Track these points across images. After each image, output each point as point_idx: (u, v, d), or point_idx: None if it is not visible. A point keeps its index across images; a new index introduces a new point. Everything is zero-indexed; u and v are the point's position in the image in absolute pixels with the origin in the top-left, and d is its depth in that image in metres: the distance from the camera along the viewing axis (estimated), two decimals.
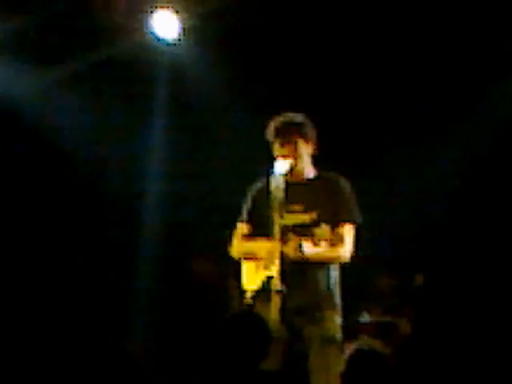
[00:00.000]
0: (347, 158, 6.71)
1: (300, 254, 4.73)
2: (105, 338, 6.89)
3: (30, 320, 6.96)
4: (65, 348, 6.73)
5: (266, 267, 4.84)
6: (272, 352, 4.50)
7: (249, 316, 4.32)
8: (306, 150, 4.99)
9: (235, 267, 5.11)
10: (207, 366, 4.22)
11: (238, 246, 5.08)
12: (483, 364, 6.58)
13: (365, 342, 6.19)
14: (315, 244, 4.73)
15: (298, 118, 5.01)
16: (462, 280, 7.06)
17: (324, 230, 4.73)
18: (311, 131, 5.02)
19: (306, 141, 4.98)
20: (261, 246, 4.89)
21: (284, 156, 4.94)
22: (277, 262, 4.74)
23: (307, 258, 4.76)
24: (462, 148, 7.18)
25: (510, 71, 6.98)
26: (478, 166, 7.13)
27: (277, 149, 4.98)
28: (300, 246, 4.72)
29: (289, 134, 4.94)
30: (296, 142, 4.95)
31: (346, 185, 5.02)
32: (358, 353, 4.06)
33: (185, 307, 6.98)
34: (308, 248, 4.73)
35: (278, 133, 4.96)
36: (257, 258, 4.93)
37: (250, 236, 5.05)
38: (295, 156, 4.94)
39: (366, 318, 6.76)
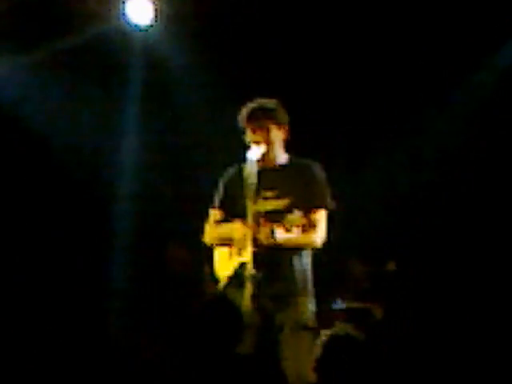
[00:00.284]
0: (319, 144, 6.72)
1: (272, 240, 4.73)
2: (80, 325, 6.89)
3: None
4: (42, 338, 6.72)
5: (239, 253, 4.85)
6: (245, 338, 4.53)
7: (221, 302, 4.33)
8: (278, 135, 4.97)
9: (209, 254, 5.11)
10: (181, 352, 4.23)
11: (210, 232, 5.06)
12: (455, 348, 6.63)
13: (340, 327, 6.20)
14: (287, 230, 4.72)
15: (270, 103, 4.98)
16: (434, 266, 7.10)
17: (296, 216, 4.72)
18: (284, 117, 5.00)
19: (279, 127, 4.97)
20: (233, 227, 4.87)
21: (256, 142, 4.92)
22: (249, 248, 4.74)
23: (279, 244, 4.76)
24: (435, 136, 7.21)
25: (481, 62, 7.04)
26: (450, 154, 7.17)
27: (249, 135, 4.96)
28: (272, 232, 4.72)
29: (261, 119, 4.92)
30: (268, 128, 4.93)
31: (318, 171, 5.01)
32: (333, 339, 4.08)
33: (159, 295, 6.97)
34: (280, 234, 4.72)
35: (250, 119, 4.94)
36: (229, 244, 4.93)
37: (222, 222, 5.04)
38: (267, 142, 4.92)
39: (339, 304, 6.78)
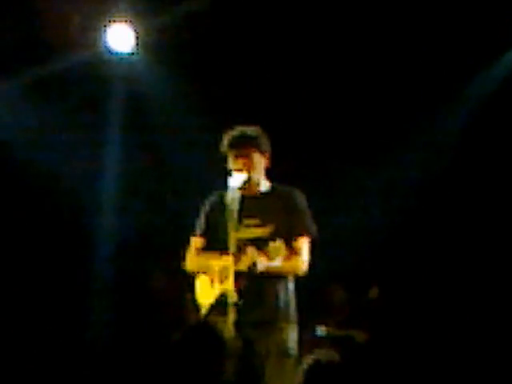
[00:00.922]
0: (300, 171, 6.74)
1: (254, 270, 4.71)
2: (61, 352, 6.85)
3: None
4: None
5: (221, 280, 4.82)
6: (227, 366, 4.51)
7: (203, 329, 4.32)
8: (260, 163, 4.97)
9: (190, 281, 5.09)
10: (164, 379, 4.21)
11: (191, 261, 5.05)
12: (441, 372, 6.64)
13: (321, 354, 6.18)
14: (270, 259, 4.71)
15: (252, 131, 4.98)
16: (417, 292, 7.10)
17: (279, 245, 4.69)
18: (266, 144, 5.00)
19: (261, 154, 4.97)
20: (214, 263, 4.85)
21: (238, 169, 4.91)
22: (231, 276, 4.71)
23: (262, 273, 4.74)
24: (407, 168, 7.25)
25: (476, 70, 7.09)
26: (430, 180, 7.20)
27: (231, 162, 4.96)
28: (254, 264, 4.70)
29: (243, 146, 4.92)
30: (250, 156, 4.93)
31: (301, 198, 5.01)
32: (315, 365, 4.07)
33: (141, 322, 6.93)
34: (262, 265, 4.70)
35: (232, 146, 4.93)
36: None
37: (203, 250, 5.02)
38: (250, 169, 4.92)
39: (322, 331, 6.77)
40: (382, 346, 6.71)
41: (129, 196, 7.42)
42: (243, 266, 4.71)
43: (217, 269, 4.81)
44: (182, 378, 4.10)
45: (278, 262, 4.71)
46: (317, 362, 4.11)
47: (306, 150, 7.19)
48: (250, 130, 4.99)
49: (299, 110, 7.19)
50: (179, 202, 7.06)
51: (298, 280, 5.00)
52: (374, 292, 6.90)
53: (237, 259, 4.71)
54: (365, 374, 6.13)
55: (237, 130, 4.99)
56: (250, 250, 4.71)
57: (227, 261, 4.73)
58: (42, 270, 7.26)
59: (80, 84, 7.19)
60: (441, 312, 7.02)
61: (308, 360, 4.17)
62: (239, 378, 4.76)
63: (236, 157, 4.94)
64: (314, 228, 4.97)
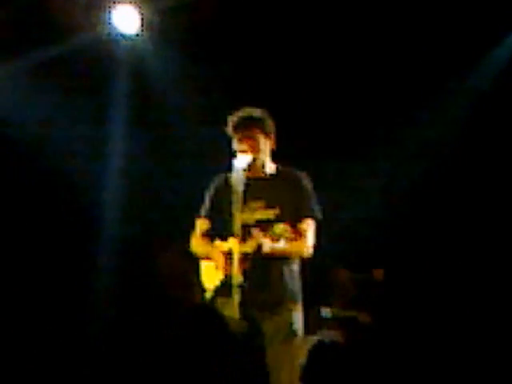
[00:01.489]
0: (305, 152, 6.73)
1: (259, 252, 4.72)
2: (66, 329, 6.88)
3: None
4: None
5: (226, 264, 4.84)
6: (230, 348, 4.54)
7: (207, 312, 4.34)
8: (265, 144, 4.97)
9: (197, 262, 5.10)
10: (167, 360, 4.24)
11: (196, 244, 5.06)
12: (444, 355, 6.65)
13: (326, 334, 6.22)
14: (275, 241, 4.71)
15: (258, 112, 4.98)
16: (422, 274, 7.11)
17: (284, 227, 4.70)
18: (271, 126, 5.00)
19: (266, 135, 4.97)
20: (218, 251, 4.86)
21: (243, 151, 4.91)
22: (236, 258, 4.72)
23: (267, 255, 4.75)
24: (423, 141, 7.24)
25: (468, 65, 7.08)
26: (438, 159, 7.19)
27: (236, 144, 4.96)
28: (259, 246, 4.71)
29: (248, 128, 4.92)
30: (255, 137, 4.93)
31: (306, 180, 5.01)
32: (319, 346, 4.09)
33: (148, 301, 6.95)
34: (267, 247, 4.71)
35: (237, 128, 4.93)
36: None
37: (208, 233, 5.03)
38: (255, 151, 4.92)
39: (326, 312, 6.78)
40: (386, 328, 6.72)
41: (134, 177, 7.42)
42: (248, 247, 4.73)
43: (220, 259, 4.80)
44: (185, 360, 4.13)
45: (283, 244, 4.72)
46: (320, 343, 4.13)
47: (313, 130, 7.17)
48: (255, 112, 4.98)
49: (305, 90, 7.16)
50: (185, 183, 7.06)
51: (304, 261, 5.01)
52: (378, 273, 6.91)
53: (242, 241, 4.72)
54: (368, 355, 6.14)
55: (242, 112, 4.98)
56: (256, 232, 4.73)
57: (232, 244, 4.74)
58: (47, 259, 7.27)
59: (85, 65, 7.18)
60: (446, 294, 7.02)
61: (312, 341, 4.20)
62: (244, 359, 4.79)
63: (241, 138, 4.93)
64: (319, 210, 4.98)
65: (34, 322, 6.99)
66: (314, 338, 4.39)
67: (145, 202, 7.44)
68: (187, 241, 5.11)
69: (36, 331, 6.95)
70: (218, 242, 4.90)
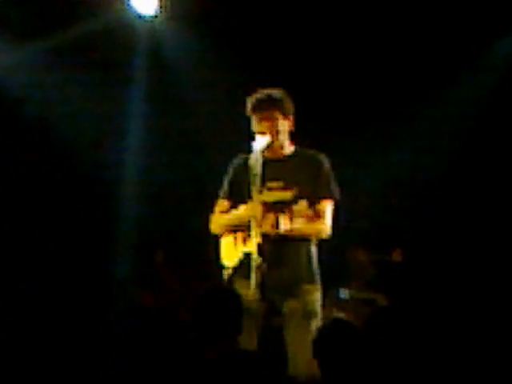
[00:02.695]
0: (324, 133, 6.72)
1: (277, 230, 4.73)
2: (85, 320, 6.89)
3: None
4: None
5: (244, 242, 4.85)
6: (250, 327, 4.56)
7: (223, 291, 4.35)
8: (284, 125, 4.97)
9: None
10: (181, 342, 4.25)
11: (216, 221, 5.06)
12: (458, 341, 6.64)
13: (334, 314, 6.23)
14: (293, 220, 4.72)
15: (277, 93, 4.97)
16: (440, 257, 7.09)
17: (302, 206, 4.71)
18: (289, 107, 4.99)
19: (285, 116, 4.96)
20: (245, 206, 4.84)
21: (262, 132, 4.91)
22: (255, 237, 4.74)
23: (285, 234, 4.76)
24: (446, 120, 7.22)
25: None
26: (458, 142, 7.17)
27: (255, 124, 4.95)
28: (277, 222, 4.72)
29: (267, 109, 4.91)
30: (274, 118, 4.92)
31: (324, 161, 5.00)
32: (328, 323, 4.12)
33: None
34: (285, 224, 4.72)
35: (256, 108, 4.93)
36: (235, 231, 4.93)
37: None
38: (273, 132, 4.91)
39: (345, 293, 6.79)
40: (404, 310, 6.70)
41: (153, 155, 7.44)
42: (267, 226, 4.73)
43: (244, 216, 4.80)
44: (201, 340, 4.15)
45: (301, 223, 4.73)
46: (328, 321, 4.15)
47: (336, 110, 7.16)
48: (274, 93, 4.97)
49: (326, 71, 7.15)
50: (204, 162, 7.07)
51: (322, 243, 5.01)
52: (397, 255, 6.90)
53: (260, 219, 4.73)
54: (385, 337, 6.13)
55: (261, 93, 4.98)
56: (274, 211, 4.73)
57: (254, 213, 4.72)
58: (64, 237, 7.30)
59: (104, 46, 7.20)
60: (464, 277, 7.00)
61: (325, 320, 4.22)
62: (262, 341, 4.81)
63: (260, 119, 4.93)
64: (337, 191, 4.97)
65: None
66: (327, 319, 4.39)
67: (163, 191, 7.45)
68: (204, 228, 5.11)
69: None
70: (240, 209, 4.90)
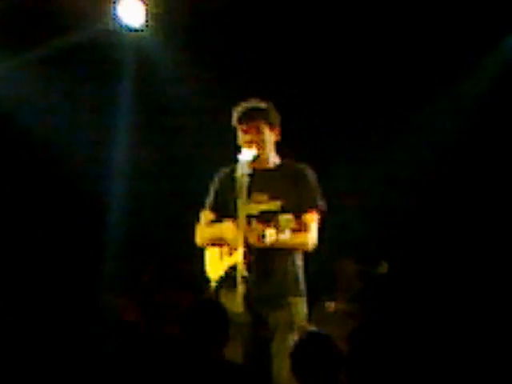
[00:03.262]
0: (310, 143, 6.72)
1: (263, 243, 4.71)
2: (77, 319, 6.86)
3: None
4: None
5: (230, 253, 4.84)
6: (235, 339, 4.53)
7: (209, 303, 4.34)
8: (270, 136, 4.97)
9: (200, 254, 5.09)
10: (169, 352, 4.24)
11: (201, 233, 5.04)
12: (445, 353, 6.63)
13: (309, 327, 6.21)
14: (279, 232, 4.71)
15: (263, 104, 4.98)
16: (427, 268, 7.08)
17: (288, 218, 4.69)
18: (276, 118, 5.00)
19: (271, 127, 4.96)
20: (225, 227, 4.86)
21: (248, 142, 4.90)
22: (240, 249, 4.72)
23: (271, 246, 4.74)
24: (426, 135, 7.22)
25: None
26: (442, 154, 7.17)
27: (241, 135, 4.95)
28: (263, 235, 4.70)
29: (253, 119, 4.91)
30: (260, 128, 4.92)
31: (310, 173, 5.01)
32: (303, 336, 4.12)
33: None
34: (271, 236, 4.70)
35: (243, 119, 4.93)
36: (220, 244, 4.92)
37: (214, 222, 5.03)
38: (259, 142, 4.91)
39: (331, 307, 6.76)
40: (389, 322, 6.70)
41: (138, 165, 7.43)
42: (252, 238, 4.72)
43: (227, 238, 4.80)
44: (187, 352, 4.14)
45: (287, 235, 4.71)
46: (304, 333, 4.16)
47: (322, 120, 7.15)
48: (260, 104, 4.98)
49: (312, 81, 7.14)
50: (189, 172, 7.06)
51: (308, 255, 5.00)
52: (383, 267, 6.88)
53: (246, 232, 4.72)
54: (368, 349, 6.12)
55: (247, 104, 4.98)
56: (260, 223, 4.72)
57: (237, 231, 4.72)
58: (52, 241, 7.28)
59: (90, 57, 7.19)
60: (451, 289, 6.99)
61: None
62: (248, 353, 4.78)
63: (246, 130, 4.93)
64: (323, 204, 4.97)
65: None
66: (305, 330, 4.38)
67: (151, 190, 7.43)
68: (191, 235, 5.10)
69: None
70: (226, 223, 4.89)
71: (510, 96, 7.04)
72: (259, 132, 4.92)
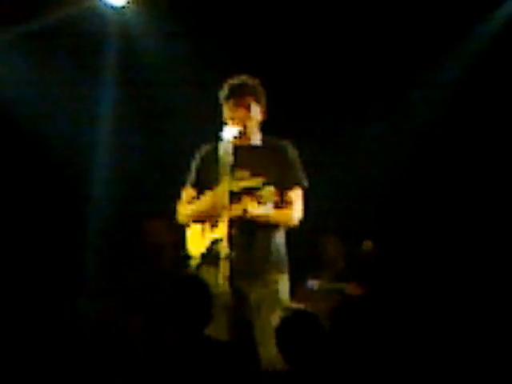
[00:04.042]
0: (295, 123, 6.71)
1: (245, 214, 4.71)
2: (55, 298, 6.83)
3: None
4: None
5: (212, 230, 4.83)
6: (219, 317, 4.53)
7: (190, 280, 4.34)
8: (257, 113, 4.97)
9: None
10: (153, 328, 4.23)
11: (183, 210, 5.04)
12: (429, 332, 6.64)
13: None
14: (261, 204, 4.71)
15: (251, 80, 4.97)
16: (412, 245, 7.09)
17: (271, 190, 4.72)
18: (262, 95, 5.00)
19: (258, 104, 4.96)
20: (206, 199, 4.85)
21: (234, 119, 4.89)
22: (222, 225, 4.71)
23: (254, 220, 4.74)
24: (412, 116, 7.22)
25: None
26: (427, 134, 7.18)
27: (228, 111, 4.93)
28: (245, 210, 4.70)
29: (242, 95, 4.90)
30: (248, 104, 4.91)
31: (292, 150, 5.01)
32: (288, 314, 4.13)
33: (134, 268, 6.90)
34: (253, 208, 4.71)
35: (232, 95, 4.91)
36: (202, 221, 4.91)
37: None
38: (246, 118, 4.91)
39: (314, 284, 6.78)
40: (376, 300, 6.70)
41: (124, 149, 7.39)
42: (235, 211, 4.71)
43: (209, 207, 4.79)
44: (171, 331, 4.14)
45: (269, 208, 4.72)
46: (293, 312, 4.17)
47: (302, 103, 7.14)
48: (249, 80, 4.97)
49: (299, 62, 7.12)
50: (173, 149, 7.04)
51: (291, 232, 4.99)
52: (367, 245, 6.88)
53: (228, 207, 4.71)
54: (351, 327, 6.14)
55: (236, 79, 4.97)
56: (243, 197, 4.72)
57: (220, 202, 4.72)
58: (37, 225, 7.25)
59: (74, 37, 7.14)
60: (437, 268, 7.00)
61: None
62: (231, 331, 4.78)
63: (234, 105, 4.91)
64: (305, 180, 4.98)
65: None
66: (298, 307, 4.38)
67: (135, 166, 7.41)
68: (174, 211, 5.09)
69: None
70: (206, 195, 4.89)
71: (485, 84, 7.04)
72: (247, 108, 4.91)
